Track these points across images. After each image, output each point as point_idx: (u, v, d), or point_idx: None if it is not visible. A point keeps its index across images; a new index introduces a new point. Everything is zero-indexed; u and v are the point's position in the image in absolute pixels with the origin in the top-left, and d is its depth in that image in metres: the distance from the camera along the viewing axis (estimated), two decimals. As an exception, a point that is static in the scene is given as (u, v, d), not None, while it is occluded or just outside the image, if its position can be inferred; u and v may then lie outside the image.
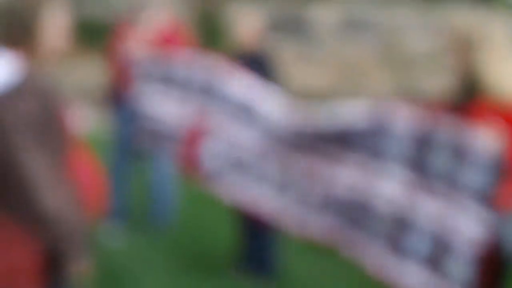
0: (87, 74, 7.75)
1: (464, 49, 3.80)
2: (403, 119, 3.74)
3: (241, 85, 4.74)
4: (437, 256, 3.56)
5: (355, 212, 3.92)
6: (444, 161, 3.56)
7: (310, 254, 6.82)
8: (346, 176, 3.96)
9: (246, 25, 6.24)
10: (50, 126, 3.08)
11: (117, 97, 7.23)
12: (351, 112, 4.03)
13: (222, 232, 7.16)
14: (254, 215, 4.93)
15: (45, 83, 3.15)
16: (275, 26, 13.98)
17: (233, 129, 4.61)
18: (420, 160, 3.65)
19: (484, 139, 3.46)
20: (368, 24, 16.69)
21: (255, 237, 6.33)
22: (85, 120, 3.50)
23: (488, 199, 3.48)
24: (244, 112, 4.62)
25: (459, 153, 3.50)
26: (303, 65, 16.31)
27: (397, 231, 3.74)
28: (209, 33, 16.62)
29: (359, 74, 15.78)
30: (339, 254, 6.19)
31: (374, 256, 3.89)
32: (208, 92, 4.75)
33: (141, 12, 7.28)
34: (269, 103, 4.61)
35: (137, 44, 6.78)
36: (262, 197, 4.37)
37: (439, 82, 4.07)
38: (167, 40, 7.05)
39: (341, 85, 15.31)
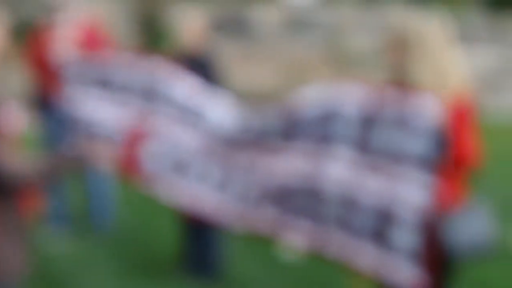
0: (25, 75, 7.72)
1: (400, 48, 3.88)
2: (349, 101, 3.81)
3: (184, 86, 4.73)
4: (383, 229, 3.63)
5: (305, 199, 3.96)
6: (388, 135, 3.65)
7: (254, 252, 6.89)
8: (293, 165, 3.99)
9: (189, 26, 6.22)
10: None
11: (45, 101, 7.15)
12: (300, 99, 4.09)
13: (165, 234, 7.15)
14: (196, 215, 4.92)
15: None
16: (218, 26, 14.00)
17: (176, 130, 4.61)
18: (366, 139, 3.73)
19: (425, 108, 3.56)
20: (311, 24, 16.80)
21: (198, 238, 6.31)
22: (21, 121, 3.55)
23: (431, 165, 3.59)
24: (187, 113, 4.62)
25: (402, 124, 3.60)
26: (247, 65, 16.36)
27: (345, 211, 3.80)
28: (151, 35, 16.59)
29: (303, 73, 15.86)
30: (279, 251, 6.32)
31: (327, 239, 3.93)
32: (149, 94, 4.72)
33: (59, 13, 7.20)
34: (212, 104, 4.63)
35: (62, 46, 6.72)
36: (203, 196, 4.38)
37: (381, 79, 4.14)
38: (87, 41, 6.97)
39: (285, 84, 15.37)
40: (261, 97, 13.35)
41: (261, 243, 6.62)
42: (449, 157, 3.80)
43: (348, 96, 3.85)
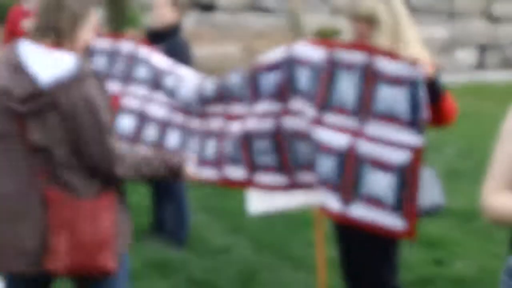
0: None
1: (363, 22, 4.01)
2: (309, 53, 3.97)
3: (153, 60, 4.95)
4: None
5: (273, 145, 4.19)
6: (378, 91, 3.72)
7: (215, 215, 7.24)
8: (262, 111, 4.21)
9: (159, 2, 6.21)
10: None
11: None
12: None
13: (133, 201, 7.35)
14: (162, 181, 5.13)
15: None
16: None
17: (143, 101, 4.86)
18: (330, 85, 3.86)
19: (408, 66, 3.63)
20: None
21: (166, 203, 6.57)
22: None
23: (419, 124, 3.63)
24: (155, 85, 4.86)
25: (392, 80, 3.67)
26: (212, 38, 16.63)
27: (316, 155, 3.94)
28: (120, 18, 16.79)
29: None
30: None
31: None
32: (120, 68, 4.96)
33: None
34: (180, 77, 4.85)
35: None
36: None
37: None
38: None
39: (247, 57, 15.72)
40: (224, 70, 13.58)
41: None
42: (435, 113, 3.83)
43: (305, 49, 4.00)
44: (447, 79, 5.09)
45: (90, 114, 3.37)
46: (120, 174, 3.49)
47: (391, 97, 3.63)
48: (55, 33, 3.41)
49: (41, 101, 3.31)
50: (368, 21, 3.99)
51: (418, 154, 3.58)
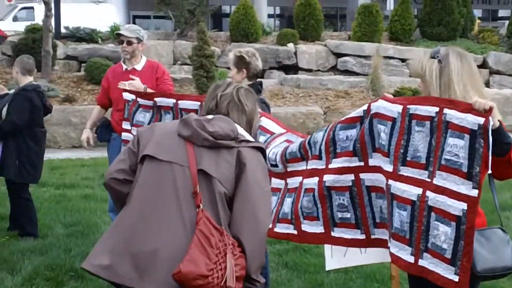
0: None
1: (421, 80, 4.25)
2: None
3: None
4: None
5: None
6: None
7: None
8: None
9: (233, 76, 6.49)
10: None
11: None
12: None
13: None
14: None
15: None
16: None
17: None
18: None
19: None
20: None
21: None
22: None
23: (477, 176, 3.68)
24: None
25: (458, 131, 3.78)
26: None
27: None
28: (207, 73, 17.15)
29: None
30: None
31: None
32: None
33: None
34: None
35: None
36: None
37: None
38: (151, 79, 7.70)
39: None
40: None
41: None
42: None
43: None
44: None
45: None
46: None
47: (456, 148, 3.74)
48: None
49: None
50: (421, 79, 4.20)
51: (473, 207, 3.67)
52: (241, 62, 6.34)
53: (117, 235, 3.83)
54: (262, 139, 4.95)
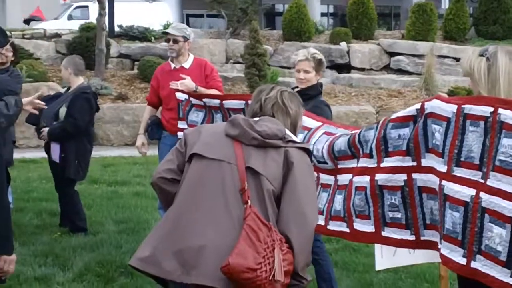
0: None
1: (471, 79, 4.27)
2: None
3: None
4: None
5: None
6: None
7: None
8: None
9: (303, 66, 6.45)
10: None
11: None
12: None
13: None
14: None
15: None
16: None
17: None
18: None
19: None
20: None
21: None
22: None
23: None
24: None
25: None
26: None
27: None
28: (259, 71, 17.17)
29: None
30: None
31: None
32: None
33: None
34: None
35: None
36: None
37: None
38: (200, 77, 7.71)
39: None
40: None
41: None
42: None
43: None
44: None
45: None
46: None
47: (511, 149, 3.67)
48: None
49: None
50: (470, 77, 4.17)
51: None
52: (322, 66, 6.38)
53: (163, 231, 3.86)
54: (300, 137, 4.93)
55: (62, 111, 8.56)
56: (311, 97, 6.21)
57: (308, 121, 5.18)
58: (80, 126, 8.52)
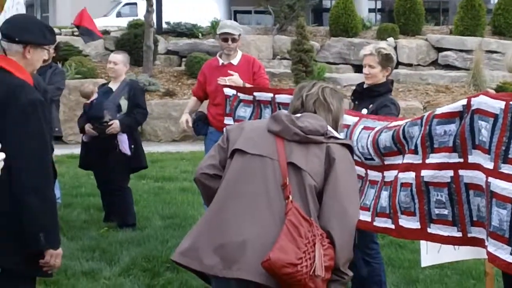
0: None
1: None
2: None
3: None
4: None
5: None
6: None
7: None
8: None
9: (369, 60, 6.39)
10: None
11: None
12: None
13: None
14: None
15: None
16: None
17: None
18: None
19: None
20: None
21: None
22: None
23: None
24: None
25: None
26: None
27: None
28: (306, 67, 17.14)
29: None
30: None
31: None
32: None
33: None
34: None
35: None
36: None
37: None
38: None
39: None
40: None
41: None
42: None
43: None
44: None
45: None
46: None
47: None
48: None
49: None
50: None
51: None
52: (390, 61, 6.33)
53: (205, 226, 3.89)
54: (341, 136, 4.94)
55: (123, 103, 8.68)
56: (380, 94, 6.19)
57: (345, 118, 5.19)
58: (147, 115, 8.94)
